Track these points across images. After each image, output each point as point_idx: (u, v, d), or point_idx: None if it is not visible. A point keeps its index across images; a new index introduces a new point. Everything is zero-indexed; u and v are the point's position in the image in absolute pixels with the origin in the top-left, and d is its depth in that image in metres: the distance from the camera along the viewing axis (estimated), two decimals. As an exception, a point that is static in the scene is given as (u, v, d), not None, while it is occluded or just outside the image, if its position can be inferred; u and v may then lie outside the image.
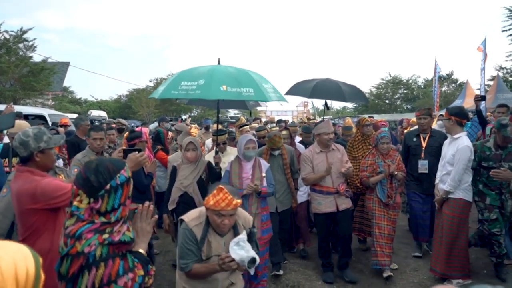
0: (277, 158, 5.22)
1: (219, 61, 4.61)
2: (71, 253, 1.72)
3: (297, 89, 6.78)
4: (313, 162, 4.96)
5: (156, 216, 2.10)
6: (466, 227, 4.72)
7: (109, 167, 1.84)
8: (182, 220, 2.80)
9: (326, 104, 7.05)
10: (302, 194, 5.79)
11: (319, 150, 5.01)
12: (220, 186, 2.60)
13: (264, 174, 4.55)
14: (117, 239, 1.79)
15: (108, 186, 1.80)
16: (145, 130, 5.91)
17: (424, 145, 5.54)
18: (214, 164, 4.71)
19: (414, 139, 5.68)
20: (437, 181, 4.90)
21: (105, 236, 1.76)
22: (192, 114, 38.72)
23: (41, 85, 22.54)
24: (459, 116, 4.65)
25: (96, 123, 14.43)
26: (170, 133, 8.19)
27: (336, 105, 40.78)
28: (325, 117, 7.22)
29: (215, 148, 5.31)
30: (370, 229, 5.20)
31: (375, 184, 5.03)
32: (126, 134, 6.76)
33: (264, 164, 4.66)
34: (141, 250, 1.95)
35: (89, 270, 1.71)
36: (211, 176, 4.65)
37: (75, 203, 1.79)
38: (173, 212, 4.55)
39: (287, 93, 6.50)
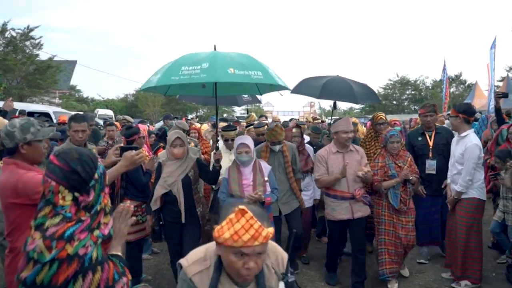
0: (277, 155, 4.79)
1: (215, 48, 4.22)
2: (59, 258, 1.48)
3: (304, 88, 6.19)
4: (328, 163, 4.53)
5: (134, 218, 1.94)
6: (480, 227, 4.55)
7: (89, 155, 1.68)
8: (180, 266, 1.87)
9: (334, 104, 6.50)
10: (308, 199, 5.39)
11: (335, 150, 4.55)
12: (242, 207, 1.66)
13: (266, 178, 4.14)
14: (107, 232, 1.64)
15: (96, 175, 1.65)
16: (143, 127, 5.75)
17: (431, 143, 5.24)
18: (214, 161, 4.31)
19: (419, 138, 5.32)
20: (448, 181, 4.74)
21: (96, 232, 1.59)
22: (199, 114, 38.69)
23: (47, 83, 22.75)
24: (467, 114, 4.53)
25: (99, 120, 14.35)
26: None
27: (343, 105, 40.53)
28: (332, 117, 6.82)
29: (214, 144, 4.84)
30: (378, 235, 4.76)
31: (387, 189, 4.59)
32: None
33: (265, 167, 4.26)
34: (119, 253, 1.77)
35: (84, 275, 1.50)
36: (203, 174, 4.28)
37: (60, 201, 1.57)
38: (159, 212, 4.22)
39: (293, 92, 5.96)
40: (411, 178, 4.55)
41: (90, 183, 1.62)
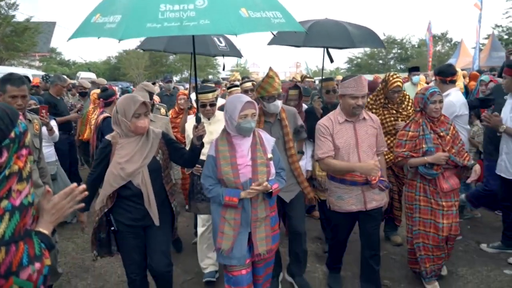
0: (274, 126, 3.49)
1: None
2: None
3: (285, 36, 4.73)
4: (333, 135, 3.31)
5: (83, 204, 1.70)
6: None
7: (7, 111, 1.43)
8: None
9: (328, 53, 5.05)
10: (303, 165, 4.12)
11: (343, 119, 3.33)
12: None
13: (270, 155, 2.90)
14: (18, 202, 1.38)
15: (13, 134, 1.40)
16: (116, 88, 5.42)
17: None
18: (195, 139, 2.93)
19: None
20: None
21: (4, 203, 1.34)
22: (183, 76, 38.18)
23: (25, 46, 22.19)
24: (441, 75, 4.55)
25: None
26: (157, 98, 7.04)
27: (328, 65, 39.88)
28: (318, 77, 6.20)
29: (196, 113, 3.22)
30: (412, 226, 3.71)
31: (414, 167, 3.59)
32: (94, 93, 6.46)
33: (267, 139, 2.99)
34: (46, 232, 1.53)
35: None
36: (175, 154, 3.03)
37: None
38: (109, 213, 2.94)
39: (270, 43, 4.73)
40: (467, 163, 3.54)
41: (3, 142, 1.37)
